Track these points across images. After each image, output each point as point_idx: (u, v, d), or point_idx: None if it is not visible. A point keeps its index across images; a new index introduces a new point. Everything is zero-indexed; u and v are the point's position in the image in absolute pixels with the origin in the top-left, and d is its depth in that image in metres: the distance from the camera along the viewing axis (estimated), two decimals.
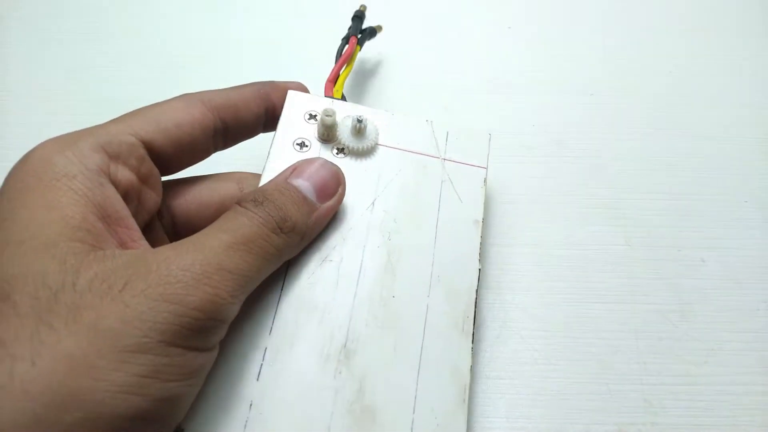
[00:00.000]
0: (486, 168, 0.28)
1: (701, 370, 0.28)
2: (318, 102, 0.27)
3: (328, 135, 0.26)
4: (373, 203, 0.25)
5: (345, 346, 0.22)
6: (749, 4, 0.41)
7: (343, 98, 0.29)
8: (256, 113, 0.25)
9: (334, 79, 0.29)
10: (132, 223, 0.20)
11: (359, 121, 0.26)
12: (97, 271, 0.17)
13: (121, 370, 0.16)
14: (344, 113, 0.27)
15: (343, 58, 0.30)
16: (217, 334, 0.19)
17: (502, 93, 0.37)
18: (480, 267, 0.25)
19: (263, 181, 0.24)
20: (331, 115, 0.25)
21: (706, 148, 0.35)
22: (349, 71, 0.31)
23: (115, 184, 0.20)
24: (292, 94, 0.27)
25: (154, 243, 0.23)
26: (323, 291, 0.23)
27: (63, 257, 0.17)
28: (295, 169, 0.23)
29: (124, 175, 0.21)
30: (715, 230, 0.32)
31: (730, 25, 0.40)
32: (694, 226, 0.32)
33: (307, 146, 0.26)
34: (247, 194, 0.21)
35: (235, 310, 0.19)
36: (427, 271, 0.24)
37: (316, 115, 0.26)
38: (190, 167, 0.25)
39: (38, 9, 0.40)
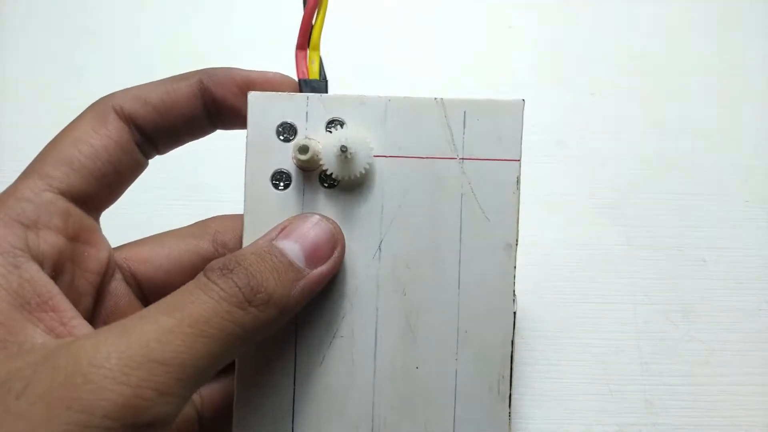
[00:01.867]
0: (519, 160, 0.21)
1: (702, 370, 0.28)
2: (289, 103, 0.20)
3: (308, 166, 0.20)
4: (379, 247, 0.21)
5: None
6: (750, 3, 0.41)
7: (323, 79, 0.21)
8: (188, 115, 0.21)
9: (304, 44, 0.21)
10: (61, 302, 0.17)
11: (342, 150, 0.19)
12: (1, 374, 0.15)
13: None
14: (326, 114, 0.20)
15: (311, 3, 0.20)
16: None
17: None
18: (516, 309, 0.21)
19: (244, 238, 0.20)
20: (305, 150, 0.19)
21: (706, 148, 0.35)
22: (323, 20, 0.21)
23: (38, 257, 0.18)
24: (254, 99, 0.20)
25: (117, 311, 0.21)
26: (339, 375, 0.20)
27: None
28: (284, 229, 0.19)
29: (48, 241, 0.18)
30: (716, 230, 0.32)
31: (731, 24, 0.40)
32: (695, 225, 0.32)
33: (288, 182, 0.20)
34: (218, 261, 0.18)
35: (175, 407, 0.16)
36: (453, 326, 0.21)
37: (292, 125, 0.20)
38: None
39: (36, 8, 0.40)
